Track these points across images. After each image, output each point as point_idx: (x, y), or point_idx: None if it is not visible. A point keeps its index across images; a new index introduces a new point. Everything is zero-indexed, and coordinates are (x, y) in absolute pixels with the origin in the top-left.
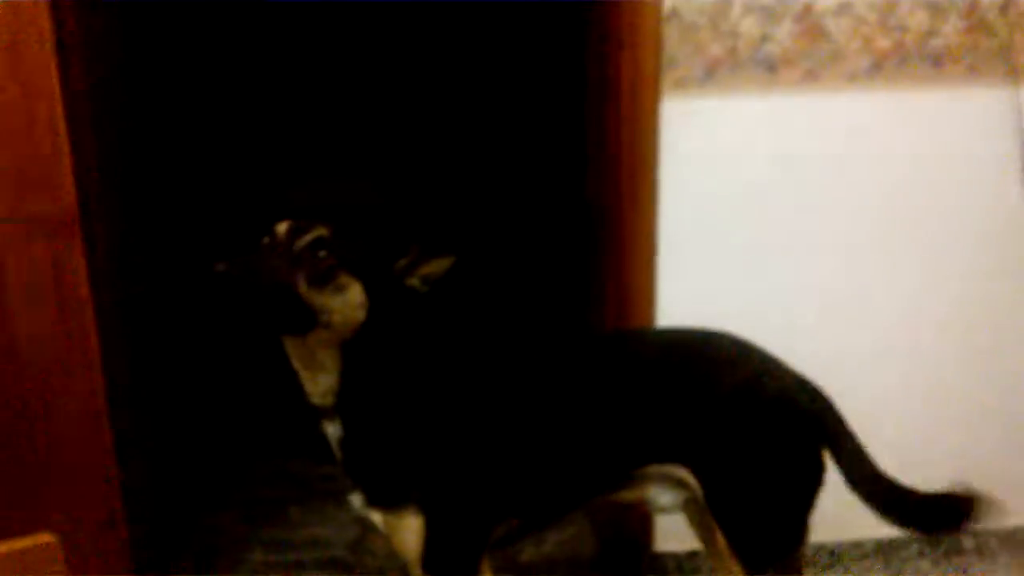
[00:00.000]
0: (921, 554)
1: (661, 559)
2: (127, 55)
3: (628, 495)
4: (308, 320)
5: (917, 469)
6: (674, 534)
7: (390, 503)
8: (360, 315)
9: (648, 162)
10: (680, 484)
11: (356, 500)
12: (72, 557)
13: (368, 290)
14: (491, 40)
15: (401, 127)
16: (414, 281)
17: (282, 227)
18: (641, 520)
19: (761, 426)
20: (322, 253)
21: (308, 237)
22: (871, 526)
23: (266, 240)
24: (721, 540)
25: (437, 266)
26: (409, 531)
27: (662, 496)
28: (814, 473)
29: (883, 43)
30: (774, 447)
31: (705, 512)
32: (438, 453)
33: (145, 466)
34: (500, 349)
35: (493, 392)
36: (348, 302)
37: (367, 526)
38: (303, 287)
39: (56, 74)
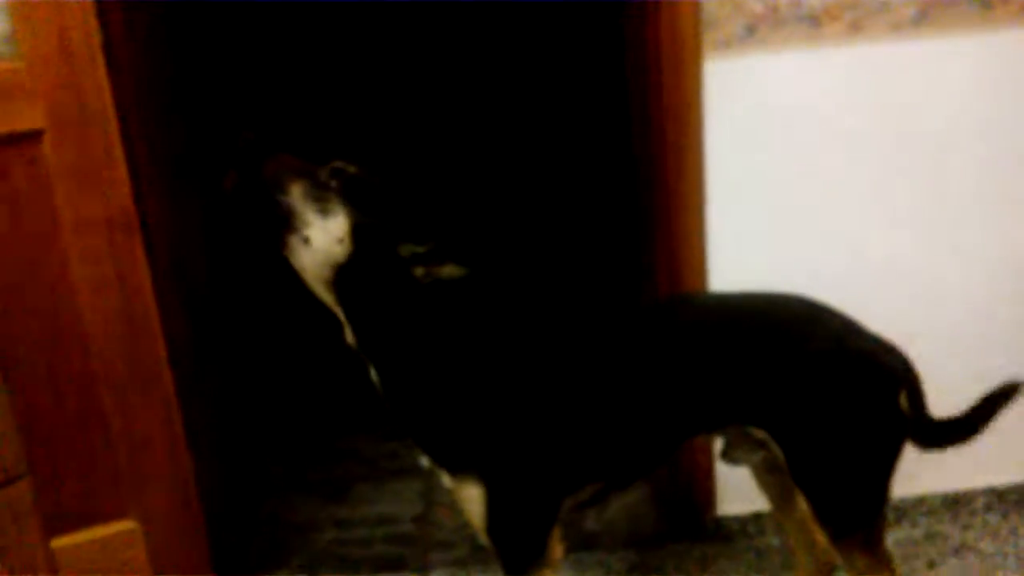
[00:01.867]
0: (989, 507)
1: (725, 522)
2: (172, 54)
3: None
4: (279, 223)
5: None
6: (738, 496)
7: (450, 467)
8: (337, 250)
9: (693, 125)
10: (758, 445)
11: (424, 459)
12: (151, 541)
13: (355, 236)
14: (529, 7)
15: (443, 100)
16: (418, 271)
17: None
18: (704, 483)
19: (847, 387)
20: (333, 182)
21: (328, 166)
22: (936, 480)
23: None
24: (803, 505)
25: (446, 272)
26: (471, 501)
27: (738, 452)
28: (899, 432)
29: None
30: (861, 407)
31: (779, 475)
32: (494, 420)
33: (217, 450)
34: (554, 319)
35: (557, 360)
36: (328, 228)
37: (431, 500)
38: (292, 192)
39: (106, 77)
